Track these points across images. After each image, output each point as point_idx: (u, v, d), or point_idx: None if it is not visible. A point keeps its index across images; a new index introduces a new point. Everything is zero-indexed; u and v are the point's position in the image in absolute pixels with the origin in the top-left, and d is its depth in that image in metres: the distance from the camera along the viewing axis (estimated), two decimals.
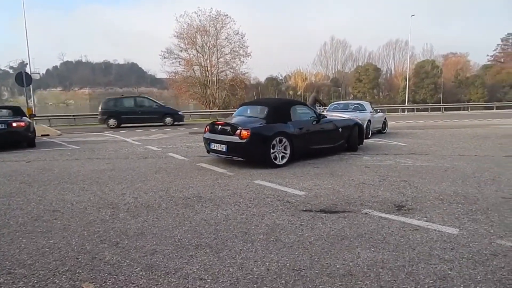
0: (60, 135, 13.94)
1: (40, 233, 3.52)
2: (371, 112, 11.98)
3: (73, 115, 23.64)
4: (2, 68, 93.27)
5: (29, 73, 19.24)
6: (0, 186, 5.48)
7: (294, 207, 4.19)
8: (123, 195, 4.84)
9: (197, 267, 2.72)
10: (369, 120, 11.22)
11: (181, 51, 36.74)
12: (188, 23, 35.90)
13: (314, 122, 7.36)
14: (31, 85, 24.78)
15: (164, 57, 36.64)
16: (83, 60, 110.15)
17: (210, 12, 36.08)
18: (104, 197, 4.78)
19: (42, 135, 13.44)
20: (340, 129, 7.87)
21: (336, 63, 68.59)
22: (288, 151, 6.65)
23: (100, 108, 18.42)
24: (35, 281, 2.57)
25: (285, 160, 6.63)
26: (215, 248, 3.06)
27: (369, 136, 11.05)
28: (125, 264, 2.80)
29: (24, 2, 23.93)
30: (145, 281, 2.53)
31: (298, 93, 56.01)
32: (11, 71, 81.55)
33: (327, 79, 64.94)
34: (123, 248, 3.10)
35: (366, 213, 3.90)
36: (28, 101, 18.71)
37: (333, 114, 9.92)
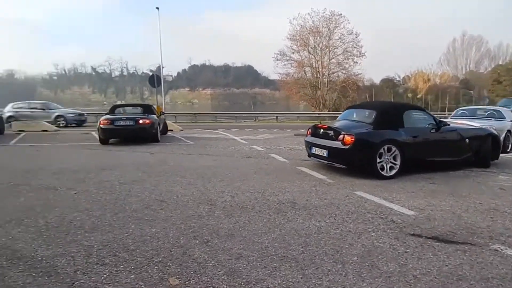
0: (182, 130, 15.60)
1: (147, 221, 3.86)
2: None
3: (194, 113, 26.27)
4: (145, 71, 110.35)
5: (162, 76, 22.17)
6: (127, 174, 6.31)
7: (399, 228, 3.64)
8: (222, 193, 5.00)
9: (279, 281, 2.54)
10: (509, 131, 9.26)
11: (293, 53, 37.23)
12: (301, 25, 36.11)
13: (433, 130, 6.39)
14: (163, 86, 28.54)
15: (277, 59, 37.66)
16: (207, 64, 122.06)
17: (324, 12, 35.55)
18: (205, 192, 5.03)
19: (168, 130, 15.29)
20: (467, 139, 6.65)
21: (468, 62, 59.64)
22: (398, 162, 5.92)
23: None
24: (132, 267, 2.78)
25: (394, 171, 5.93)
26: (301, 263, 2.84)
27: (509, 150, 9.13)
28: (211, 264, 2.81)
29: (159, 15, 27.80)
30: (225, 286, 2.48)
31: (418, 96, 50.67)
32: (150, 73, 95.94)
33: (456, 80, 56.98)
34: (211, 247, 3.14)
35: (496, 250, 3.11)
36: (159, 98, 21.50)
37: (459, 122, 8.50)
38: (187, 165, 7.17)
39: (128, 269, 2.77)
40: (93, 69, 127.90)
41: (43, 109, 18.51)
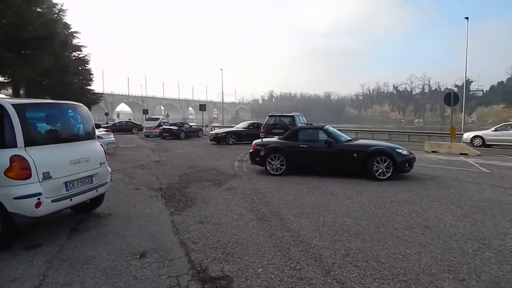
0: (479, 155, 13.55)
1: (404, 241, 4.01)
2: None
3: None
4: (448, 87, 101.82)
5: (465, 91, 19.94)
6: (400, 194, 6.51)
7: None
8: (504, 235, 4.23)
9: None
10: None
11: None
12: None
13: None
14: (464, 104, 25.60)
15: None
16: None
17: None
18: (481, 229, 4.43)
19: (460, 154, 13.79)
20: None
21: None
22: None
23: None
24: (377, 277, 3.13)
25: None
26: None
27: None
28: None
29: (468, 24, 25.22)
30: None
31: None
32: (455, 89, 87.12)
33: None
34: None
35: None
36: (461, 117, 19.45)
37: None
38: (469, 195, 6.39)
39: (373, 276, 3.13)
40: (395, 87, 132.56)
41: None
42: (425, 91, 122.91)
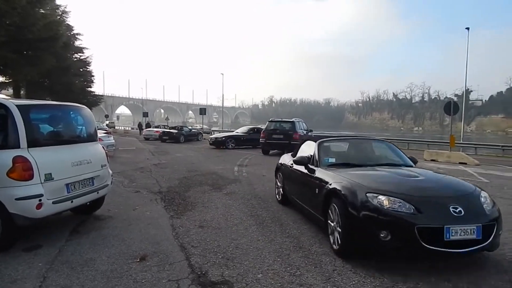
0: (478, 165, 13.59)
1: None
2: None
3: (501, 146, 21.84)
4: (448, 96, 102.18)
5: (464, 101, 20.00)
6: None
7: None
8: (502, 244, 4.23)
9: None
10: None
11: None
12: None
13: None
14: (463, 113, 25.66)
15: None
16: None
17: None
18: None
19: (459, 163, 13.83)
20: None
21: None
22: None
23: None
24: (376, 286, 3.11)
25: None
26: None
27: None
28: None
29: (469, 34, 25.41)
30: None
31: None
32: (455, 98, 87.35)
33: None
34: None
35: None
36: (461, 126, 19.43)
37: None
38: None
39: (373, 284, 3.12)
40: (394, 95, 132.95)
41: None
42: (425, 99, 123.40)
